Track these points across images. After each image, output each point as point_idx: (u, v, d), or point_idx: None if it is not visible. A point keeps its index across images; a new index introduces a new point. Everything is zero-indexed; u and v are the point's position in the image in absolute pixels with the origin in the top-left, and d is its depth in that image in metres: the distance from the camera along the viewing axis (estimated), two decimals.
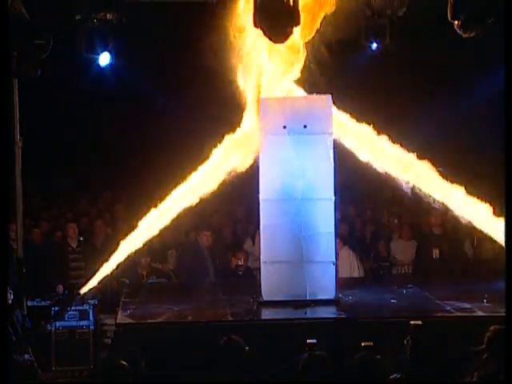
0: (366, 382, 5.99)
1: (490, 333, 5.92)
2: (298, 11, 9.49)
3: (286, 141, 10.06)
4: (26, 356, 7.33)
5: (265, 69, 10.74)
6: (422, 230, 12.92)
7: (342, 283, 10.27)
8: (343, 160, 10.25)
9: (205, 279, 12.17)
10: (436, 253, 12.26)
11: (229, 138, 10.35)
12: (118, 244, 10.07)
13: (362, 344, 6.48)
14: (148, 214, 10.21)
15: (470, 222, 12.47)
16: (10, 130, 9.63)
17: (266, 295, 9.99)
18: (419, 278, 11.73)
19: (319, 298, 9.92)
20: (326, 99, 10.06)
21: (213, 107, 13.30)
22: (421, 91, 13.32)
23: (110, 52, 11.38)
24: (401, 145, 10.82)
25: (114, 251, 11.46)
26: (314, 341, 6.56)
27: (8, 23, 6.72)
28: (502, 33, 9.05)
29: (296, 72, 10.50)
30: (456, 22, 9.57)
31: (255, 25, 9.93)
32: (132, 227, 10.17)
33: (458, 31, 9.59)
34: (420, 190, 10.35)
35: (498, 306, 9.35)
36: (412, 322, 7.07)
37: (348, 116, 10.48)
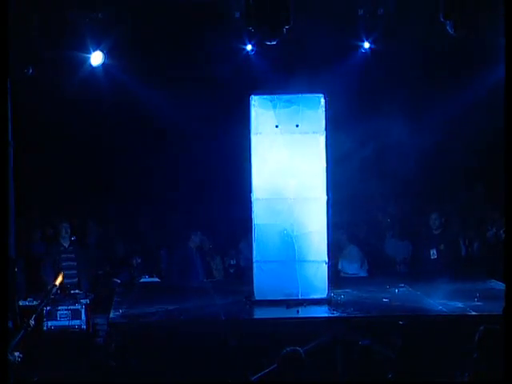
0: (364, 382, 6.01)
1: (480, 332, 5.93)
2: (291, 11, 9.53)
3: (278, 140, 10.07)
4: (16, 354, 7.31)
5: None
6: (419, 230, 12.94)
7: (333, 282, 10.28)
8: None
9: (195, 279, 12.17)
10: (434, 253, 12.25)
11: None
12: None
13: (360, 343, 6.49)
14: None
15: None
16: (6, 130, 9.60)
17: (258, 294, 9.99)
18: (412, 277, 11.75)
19: (311, 297, 9.93)
20: (319, 98, 10.07)
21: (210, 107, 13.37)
22: (415, 90, 13.33)
23: (102, 51, 11.39)
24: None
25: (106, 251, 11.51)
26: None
27: (7, 23, 6.70)
28: (495, 33, 9.13)
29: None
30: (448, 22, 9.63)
31: (247, 24, 9.97)
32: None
33: (450, 30, 9.62)
34: None
35: (489, 305, 9.39)
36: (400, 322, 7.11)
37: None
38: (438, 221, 12.32)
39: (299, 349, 6.07)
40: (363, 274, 12.45)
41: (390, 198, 14.14)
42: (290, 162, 10.03)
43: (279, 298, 9.87)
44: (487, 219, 13.21)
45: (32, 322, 7.62)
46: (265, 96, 10.18)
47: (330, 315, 9.51)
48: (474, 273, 12.00)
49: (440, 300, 9.79)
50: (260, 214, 10.05)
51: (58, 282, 8.29)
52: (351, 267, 12.41)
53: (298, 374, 5.94)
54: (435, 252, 12.20)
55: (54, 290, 8.41)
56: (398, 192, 13.97)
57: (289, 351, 6.01)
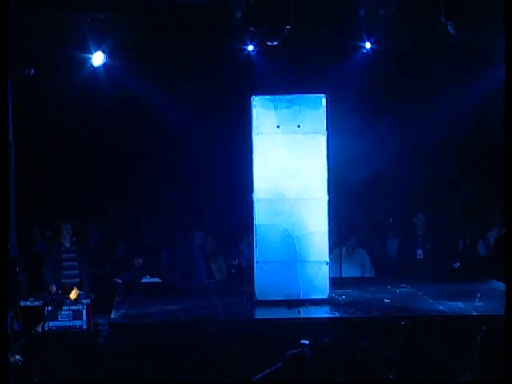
0: (364, 382, 6.00)
1: (483, 333, 5.93)
2: (292, 11, 9.54)
3: (279, 140, 10.07)
4: (17, 357, 7.33)
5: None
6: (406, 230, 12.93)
7: (334, 283, 10.29)
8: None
9: (198, 279, 12.18)
10: (420, 253, 12.17)
11: None
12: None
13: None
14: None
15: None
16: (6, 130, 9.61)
17: (259, 295, 10.00)
18: (411, 277, 11.74)
19: (312, 297, 9.93)
20: (320, 99, 10.07)
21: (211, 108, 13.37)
22: (413, 91, 13.34)
23: (103, 51, 11.40)
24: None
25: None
26: (307, 342, 6.57)
27: (8, 23, 6.71)
28: (496, 33, 9.12)
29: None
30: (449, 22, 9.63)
31: (249, 24, 9.98)
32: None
33: (451, 31, 9.62)
34: None
35: (491, 305, 9.39)
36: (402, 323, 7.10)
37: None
38: (425, 221, 12.25)
39: (306, 351, 6.06)
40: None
41: (391, 197, 14.15)
42: (291, 163, 10.03)
43: (280, 299, 9.87)
44: (489, 220, 13.22)
45: (39, 330, 7.65)
46: (266, 96, 10.18)
47: (331, 316, 9.51)
48: (476, 273, 11.99)
49: (441, 300, 9.79)
50: (261, 215, 10.05)
51: (72, 296, 8.32)
52: (360, 271, 12.40)
53: (303, 375, 5.93)
54: (421, 252, 12.14)
55: (67, 302, 8.45)
56: (399, 192, 13.98)
57: (295, 353, 6.00)
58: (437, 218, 13.17)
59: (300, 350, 6.05)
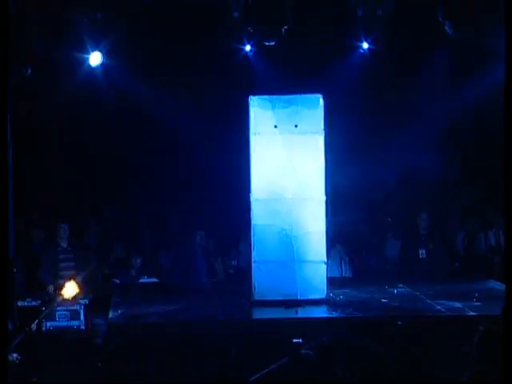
0: (364, 382, 6.01)
1: (480, 333, 5.92)
2: (290, 11, 9.55)
3: (277, 140, 10.08)
4: (15, 355, 7.33)
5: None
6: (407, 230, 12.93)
7: (332, 282, 10.29)
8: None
9: (198, 279, 12.17)
10: (422, 253, 12.17)
11: None
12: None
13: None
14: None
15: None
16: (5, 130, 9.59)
17: (257, 295, 10.00)
18: (409, 277, 11.75)
19: (310, 297, 9.94)
20: (318, 99, 10.07)
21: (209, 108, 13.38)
22: (411, 91, 13.35)
23: (100, 51, 11.40)
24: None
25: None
26: (300, 340, 6.58)
27: (8, 23, 6.70)
28: (495, 33, 9.14)
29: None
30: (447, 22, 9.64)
31: (246, 24, 9.98)
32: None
33: (448, 31, 9.63)
34: None
35: (488, 305, 9.39)
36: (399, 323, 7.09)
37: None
38: (428, 221, 12.24)
39: (311, 352, 6.07)
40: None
41: (390, 197, 14.15)
42: (288, 163, 10.04)
43: (278, 299, 9.87)
44: (488, 220, 13.22)
45: (34, 327, 7.65)
46: (263, 96, 10.19)
47: (329, 315, 9.51)
48: (473, 273, 12.00)
49: (439, 300, 9.80)
50: (259, 215, 10.05)
51: (66, 294, 8.28)
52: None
53: (301, 375, 5.94)
54: (424, 252, 12.13)
55: (60, 299, 8.43)
56: (398, 191, 13.99)
57: (301, 353, 6.00)
58: (438, 218, 13.17)
59: (305, 351, 6.06)
